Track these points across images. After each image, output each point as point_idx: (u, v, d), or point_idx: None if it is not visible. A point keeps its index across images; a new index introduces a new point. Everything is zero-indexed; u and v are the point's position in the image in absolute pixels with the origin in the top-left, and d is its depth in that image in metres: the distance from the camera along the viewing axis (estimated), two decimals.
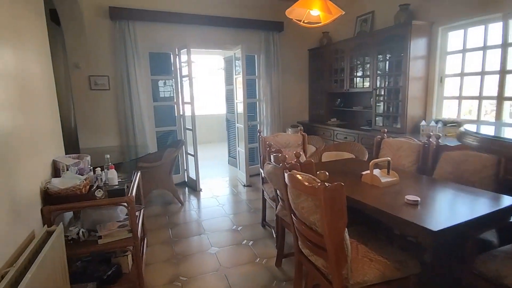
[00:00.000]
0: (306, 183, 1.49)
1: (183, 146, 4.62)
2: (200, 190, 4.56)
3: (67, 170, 2.11)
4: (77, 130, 4.19)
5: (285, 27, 5.08)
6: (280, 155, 1.86)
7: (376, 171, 2.08)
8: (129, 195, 2.05)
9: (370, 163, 2.07)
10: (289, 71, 5.38)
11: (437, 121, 3.58)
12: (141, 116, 4.31)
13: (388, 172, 2.07)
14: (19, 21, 1.85)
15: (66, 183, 1.92)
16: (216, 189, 4.61)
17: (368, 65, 4.22)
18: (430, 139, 2.46)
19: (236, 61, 4.91)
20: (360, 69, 4.47)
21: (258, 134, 3.32)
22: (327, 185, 1.37)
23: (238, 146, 5.05)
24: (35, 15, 2.15)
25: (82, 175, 2.13)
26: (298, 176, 1.60)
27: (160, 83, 4.69)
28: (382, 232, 2.07)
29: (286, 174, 1.71)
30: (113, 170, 2.15)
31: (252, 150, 5.30)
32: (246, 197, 4.26)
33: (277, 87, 5.13)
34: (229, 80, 5.79)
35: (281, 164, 1.83)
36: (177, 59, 4.59)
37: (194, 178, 4.56)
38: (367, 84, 4.24)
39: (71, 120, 4.66)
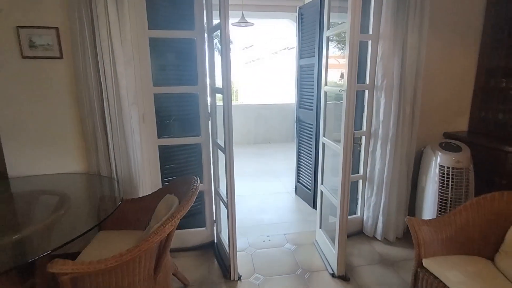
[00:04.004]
0: None
1: (209, 188, 2.25)
2: (239, 279, 2.14)
3: None
4: (1, 140, 2.09)
5: None
6: None
7: None
8: None
9: None
10: (441, 27, 2.52)
11: None
12: (123, 114, 2.01)
13: None
14: None
15: None
16: (271, 280, 2.14)
17: None
18: None
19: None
20: None
21: None
22: None
23: (322, 183, 2.45)
24: None
25: None
26: None
27: (169, 47, 2.31)
28: None
29: None
30: None
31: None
32: None
33: (415, 59, 2.34)
34: (307, 49, 3.16)
35: None
36: None
37: (227, 249, 2.14)
38: None
39: None
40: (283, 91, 7.11)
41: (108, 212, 1.71)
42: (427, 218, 2.35)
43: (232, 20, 4.65)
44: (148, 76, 2.16)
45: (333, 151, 2.24)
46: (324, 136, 2.35)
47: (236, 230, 2.07)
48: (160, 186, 2.30)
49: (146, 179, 2.26)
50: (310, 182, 3.28)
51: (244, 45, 15.84)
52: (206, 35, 2.21)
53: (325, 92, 2.33)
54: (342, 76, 4.11)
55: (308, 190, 3.35)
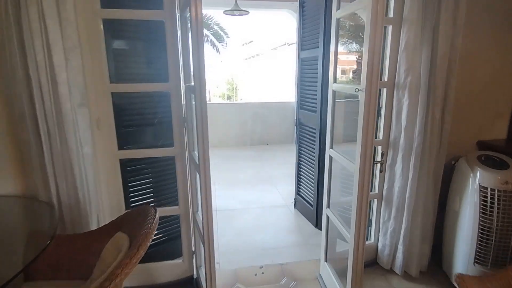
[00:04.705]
0: None
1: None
2: None
3: None
4: None
5: None
6: None
7: None
8: None
9: None
10: (478, 9, 2.01)
11: None
12: (64, 120, 1.51)
13: None
14: None
15: None
16: None
17: None
18: None
19: None
20: None
21: None
22: None
23: (328, 206, 1.95)
24: None
25: None
26: None
27: (132, 32, 1.80)
28: None
29: None
30: None
31: None
32: None
33: (448, 50, 1.83)
34: (309, 39, 2.64)
35: None
36: None
37: None
38: None
39: None
40: (283, 88, 6.61)
41: (35, 254, 1.23)
42: (463, 251, 1.86)
43: (224, 8, 4.14)
44: (103, 69, 1.66)
45: (341, 165, 1.74)
46: (331, 147, 1.85)
47: (215, 273, 1.57)
48: (124, 211, 1.81)
49: (104, 203, 1.77)
50: (313, 196, 2.78)
51: (243, 40, 15.39)
52: (178, 16, 1.70)
53: (334, 92, 1.81)
54: (344, 73, 3.57)
55: (309, 206, 2.85)
